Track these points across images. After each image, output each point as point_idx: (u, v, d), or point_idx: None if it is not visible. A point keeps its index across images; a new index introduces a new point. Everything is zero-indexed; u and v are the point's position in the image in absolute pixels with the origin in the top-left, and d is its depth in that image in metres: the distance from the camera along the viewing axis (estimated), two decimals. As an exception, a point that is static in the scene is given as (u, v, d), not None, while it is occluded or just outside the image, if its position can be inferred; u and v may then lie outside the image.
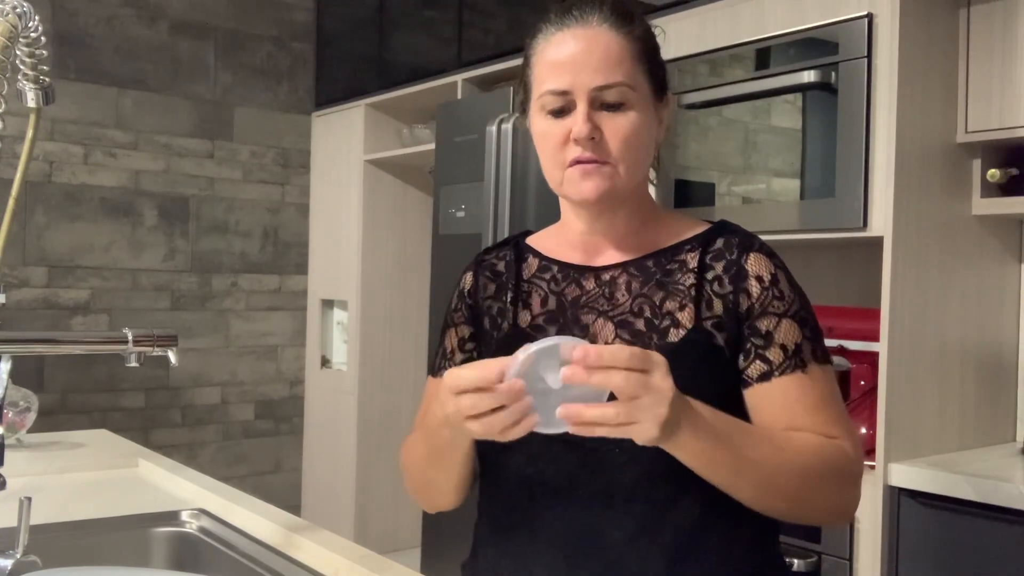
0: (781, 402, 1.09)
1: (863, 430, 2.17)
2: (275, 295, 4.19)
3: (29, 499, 1.12)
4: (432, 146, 3.35)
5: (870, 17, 2.02)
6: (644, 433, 0.90)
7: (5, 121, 0.95)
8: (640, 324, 1.12)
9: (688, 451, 0.96)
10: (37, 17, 1.03)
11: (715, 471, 1.00)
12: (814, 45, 2.13)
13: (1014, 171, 2.13)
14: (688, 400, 0.95)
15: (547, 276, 1.21)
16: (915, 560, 1.92)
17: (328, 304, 4.23)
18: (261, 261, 4.14)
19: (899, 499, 1.94)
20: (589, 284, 1.17)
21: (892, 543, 1.94)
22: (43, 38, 1.05)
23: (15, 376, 1.21)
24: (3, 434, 1.13)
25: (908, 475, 1.92)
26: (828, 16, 2.10)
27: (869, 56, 2.01)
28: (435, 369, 1.27)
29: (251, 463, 4.13)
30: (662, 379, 0.90)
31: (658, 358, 0.90)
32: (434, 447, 1.10)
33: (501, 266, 1.26)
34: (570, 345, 0.90)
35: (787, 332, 1.10)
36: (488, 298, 1.24)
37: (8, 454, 1.61)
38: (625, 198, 1.14)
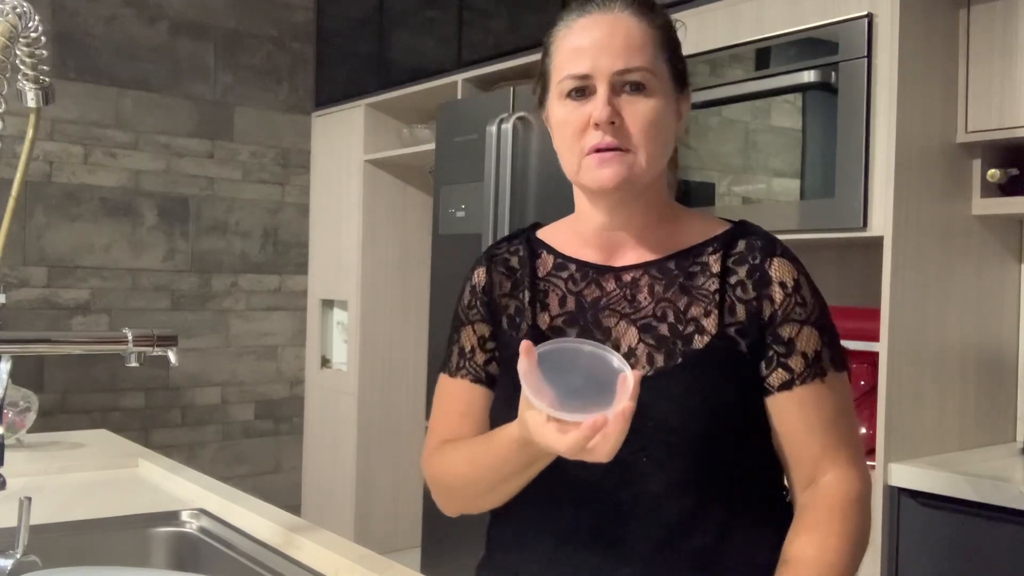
0: (799, 412, 1.09)
1: (863, 430, 2.17)
2: (275, 295, 4.19)
3: (29, 499, 1.12)
4: (432, 146, 3.35)
5: (870, 17, 2.01)
6: None
7: (5, 121, 0.95)
8: (664, 329, 1.11)
9: None
10: (37, 17, 1.03)
11: None
12: (814, 45, 2.13)
13: (1014, 171, 2.13)
14: None
15: (564, 275, 1.18)
16: (915, 560, 1.92)
17: (328, 304, 4.23)
18: (261, 261, 4.14)
19: (899, 499, 1.94)
20: (609, 285, 1.15)
21: (892, 543, 1.94)
22: (43, 38, 1.05)
23: (15, 376, 1.21)
24: (3, 434, 1.13)
25: (908, 475, 1.92)
26: (828, 16, 2.10)
27: (869, 56, 2.01)
28: (453, 369, 1.23)
29: (251, 463, 4.13)
30: None
31: None
32: (513, 471, 1.07)
33: (515, 261, 1.22)
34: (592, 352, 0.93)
35: (808, 339, 1.09)
36: (504, 295, 1.21)
37: (8, 454, 1.61)
38: (643, 188, 1.11)
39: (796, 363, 1.09)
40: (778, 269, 1.11)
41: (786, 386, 1.09)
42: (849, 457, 1.10)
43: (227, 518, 1.41)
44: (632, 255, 1.16)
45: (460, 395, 1.22)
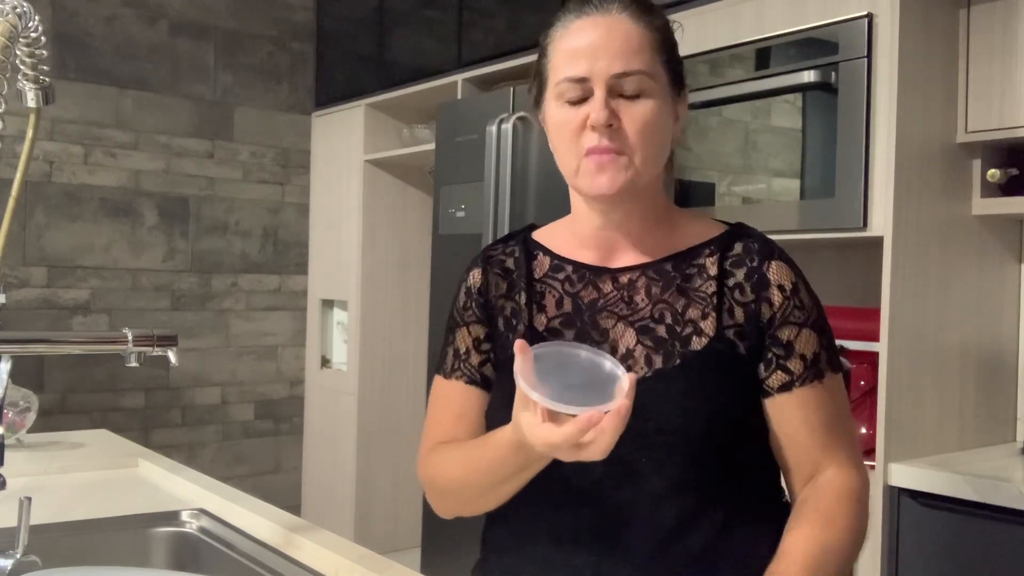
0: (800, 414, 1.09)
1: (863, 430, 2.17)
2: (275, 295, 4.19)
3: (29, 499, 1.12)
4: (432, 146, 3.35)
5: (870, 17, 2.01)
6: None
7: (5, 121, 0.95)
8: (662, 331, 1.11)
9: None
10: (37, 17, 1.03)
11: None
12: (814, 45, 2.13)
13: (1014, 171, 2.13)
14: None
15: (560, 276, 1.18)
16: (915, 560, 1.92)
17: (328, 304, 4.23)
18: (261, 261, 4.14)
19: (899, 499, 1.94)
20: (606, 287, 1.15)
21: (892, 543, 1.94)
22: (43, 38, 1.05)
23: (15, 376, 1.21)
24: (3, 434, 1.13)
25: (908, 475, 1.92)
26: (828, 16, 2.10)
27: (869, 56, 2.01)
28: (448, 371, 1.22)
29: (251, 463, 4.13)
30: None
31: None
32: (507, 475, 1.07)
33: (510, 263, 1.22)
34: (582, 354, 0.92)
35: (806, 342, 1.10)
36: (500, 296, 1.20)
37: (8, 454, 1.61)
38: (640, 191, 1.11)
39: (795, 365, 1.09)
40: (776, 272, 1.11)
41: (785, 388, 1.09)
42: (847, 456, 1.11)
43: (227, 518, 1.41)
44: (629, 257, 1.16)
45: (455, 397, 1.21)
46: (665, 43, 1.11)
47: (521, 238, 1.24)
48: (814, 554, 1.03)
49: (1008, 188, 2.15)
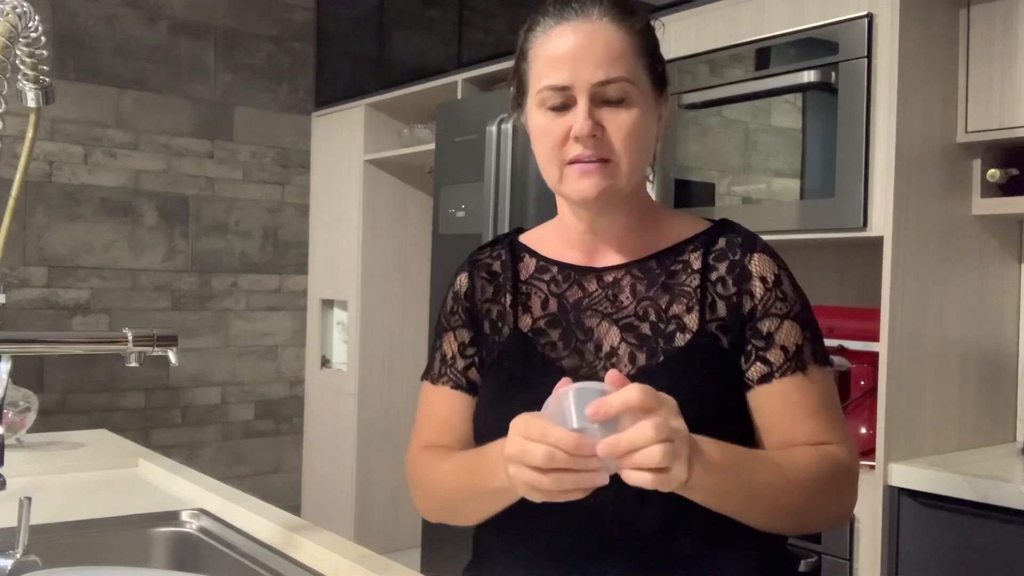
0: (781, 404, 1.08)
1: (863, 430, 2.17)
2: (275, 295, 4.19)
3: (29, 499, 1.12)
4: (432, 146, 3.35)
5: (870, 17, 2.02)
6: (675, 478, 0.88)
7: (5, 121, 0.95)
8: (646, 328, 1.11)
9: (703, 489, 0.95)
10: (37, 17, 1.03)
11: (729, 503, 0.99)
12: (814, 45, 2.13)
13: (1014, 171, 2.13)
14: (693, 436, 0.93)
15: (546, 277, 1.18)
16: (915, 560, 1.92)
17: (328, 304, 4.23)
18: (261, 261, 4.14)
19: (899, 499, 1.94)
20: (591, 286, 1.15)
21: (892, 543, 1.94)
22: (43, 38, 1.05)
23: (15, 376, 1.21)
24: (3, 434, 1.13)
25: (908, 475, 1.92)
26: (828, 16, 2.10)
27: (869, 56, 2.01)
28: (435, 376, 1.23)
29: (251, 463, 4.13)
30: (675, 418, 0.88)
31: (665, 396, 0.89)
32: (485, 492, 1.06)
33: (497, 266, 1.23)
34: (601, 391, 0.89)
35: (788, 333, 1.09)
36: (486, 300, 1.21)
37: (8, 454, 1.61)
38: (625, 196, 1.12)
39: (775, 356, 1.08)
40: (758, 264, 1.11)
41: (765, 379, 1.08)
42: (837, 439, 1.09)
43: (227, 518, 1.41)
44: (614, 256, 1.16)
45: (441, 403, 1.22)
46: (646, 46, 1.10)
47: (507, 241, 1.25)
48: (789, 456, 1.04)
49: (1008, 188, 2.15)
